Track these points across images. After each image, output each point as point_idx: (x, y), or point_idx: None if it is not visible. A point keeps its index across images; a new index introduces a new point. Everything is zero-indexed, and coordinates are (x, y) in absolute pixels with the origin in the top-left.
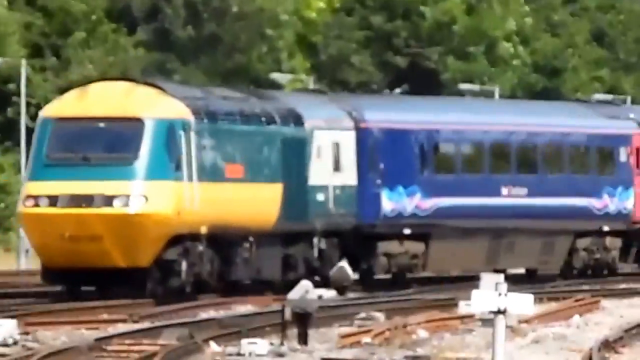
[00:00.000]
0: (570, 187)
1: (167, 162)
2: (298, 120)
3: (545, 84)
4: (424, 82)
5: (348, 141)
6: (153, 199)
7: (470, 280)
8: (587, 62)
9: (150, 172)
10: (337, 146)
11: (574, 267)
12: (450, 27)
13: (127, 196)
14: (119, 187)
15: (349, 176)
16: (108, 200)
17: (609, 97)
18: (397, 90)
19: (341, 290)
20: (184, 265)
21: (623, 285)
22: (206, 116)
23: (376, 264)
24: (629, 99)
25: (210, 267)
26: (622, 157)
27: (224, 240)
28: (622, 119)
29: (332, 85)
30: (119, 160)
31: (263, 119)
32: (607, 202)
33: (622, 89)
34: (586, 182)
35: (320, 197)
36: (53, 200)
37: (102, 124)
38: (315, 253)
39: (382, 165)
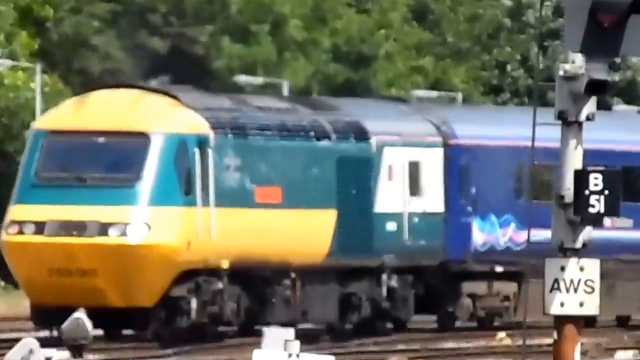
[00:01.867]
0: None
1: (176, 185)
2: (361, 135)
3: (350, 76)
4: (190, 72)
5: (433, 160)
6: (157, 228)
7: None
8: (405, 47)
9: (154, 196)
10: (416, 166)
11: None
12: (225, 0)
13: (126, 224)
14: (116, 213)
15: (433, 202)
16: (103, 229)
17: (433, 93)
18: (154, 82)
19: (76, 350)
20: (193, 303)
21: (450, 344)
22: (231, 131)
23: (459, 308)
24: (459, 96)
25: (234, 306)
26: None
27: (254, 277)
28: None
29: (67, 75)
30: (118, 182)
31: (311, 133)
32: None
33: (449, 83)
34: None
35: (390, 226)
36: (40, 227)
37: (101, 139)
38: (384, 292)
39: (473, 190)
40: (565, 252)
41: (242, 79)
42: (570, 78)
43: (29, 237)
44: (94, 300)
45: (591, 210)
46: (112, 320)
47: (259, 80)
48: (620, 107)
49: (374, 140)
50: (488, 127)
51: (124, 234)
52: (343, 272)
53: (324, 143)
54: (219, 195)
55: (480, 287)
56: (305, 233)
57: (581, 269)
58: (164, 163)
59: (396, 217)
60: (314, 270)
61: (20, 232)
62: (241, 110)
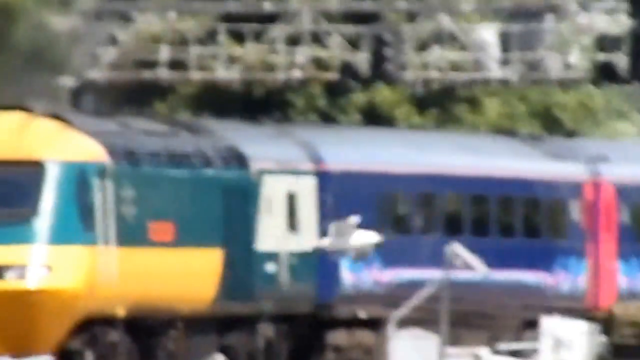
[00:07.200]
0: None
1: (78, 220)
2: (242, 162)
3: None
4: None
5: (307, 190)
6: (59, 270)
7: None
8: None
9: (55, 233)
10: (292, 197)
11: None
12: None
13: (24, 266)
14: (12, 253)
15: (308, 238)
16: None
17: None
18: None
19: None
20: (89, 358)
21: None
22: (125, 158)
23: None
24: None
25: None
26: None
27: (145, 326)
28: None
29: None
30: (12, 218)
31: (196, 160)
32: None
33: None
34: (537, 250)
35: (270, 267)
36: None
37: None
38: (261, 344)
39: None
40: None
41: None
42: None
43: None
44: None
45: None
46: None
47: None
48: None
49: (253, 168)
50: (356, 150)
51: (22, 277)
52: (225, 322)
53: (208, 172)
54: (119, 233)
55: (342, 337)
56: (193, 276)
57: None
58: (63, 195)
59: (274, 256)
60: (198, 320)
61: None
62: (129, 134)
